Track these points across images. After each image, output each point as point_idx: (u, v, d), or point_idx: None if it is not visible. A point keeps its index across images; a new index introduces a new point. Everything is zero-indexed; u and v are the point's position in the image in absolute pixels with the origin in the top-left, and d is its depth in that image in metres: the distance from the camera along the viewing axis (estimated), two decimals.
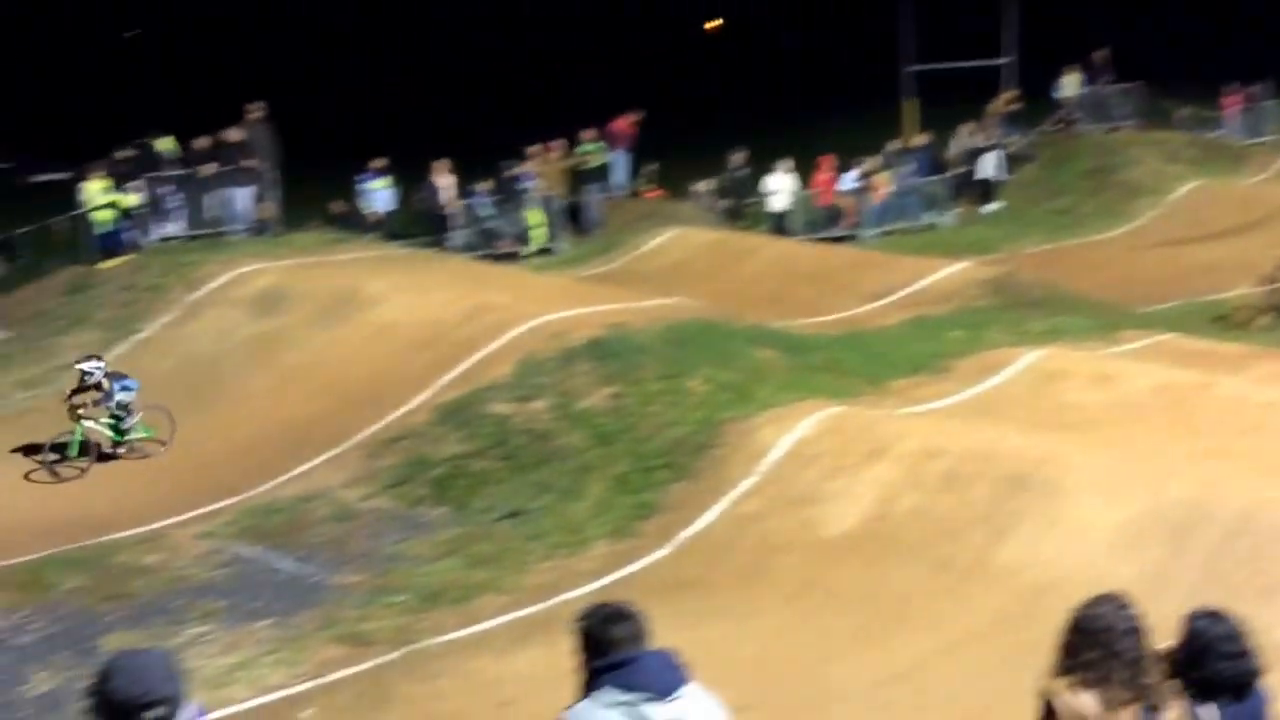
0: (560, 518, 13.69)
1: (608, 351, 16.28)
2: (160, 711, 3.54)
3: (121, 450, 16.39)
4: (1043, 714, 5.20)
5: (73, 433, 15.96)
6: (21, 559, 12.96)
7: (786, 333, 18.41)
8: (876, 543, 12.32)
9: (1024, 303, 21.16)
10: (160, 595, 12.29)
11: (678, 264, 24.02)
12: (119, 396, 16.19)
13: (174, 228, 22.97)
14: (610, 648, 4.76)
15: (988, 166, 31.56)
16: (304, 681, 10.45)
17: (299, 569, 12.92)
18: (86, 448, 15.99)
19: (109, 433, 16.26)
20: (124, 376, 16.45)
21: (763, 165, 29.31)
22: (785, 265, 24.06)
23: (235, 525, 13.93)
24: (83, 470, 15.90)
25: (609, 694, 4.80)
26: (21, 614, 11.90)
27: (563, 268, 24.54)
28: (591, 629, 4.86)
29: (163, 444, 16.58)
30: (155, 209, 22.59)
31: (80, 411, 16.02)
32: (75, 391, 16.18)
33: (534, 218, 26.01)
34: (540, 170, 26.61)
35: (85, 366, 16.15)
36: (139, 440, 16.52)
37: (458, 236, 25.04)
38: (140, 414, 16.43)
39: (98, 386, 16.05)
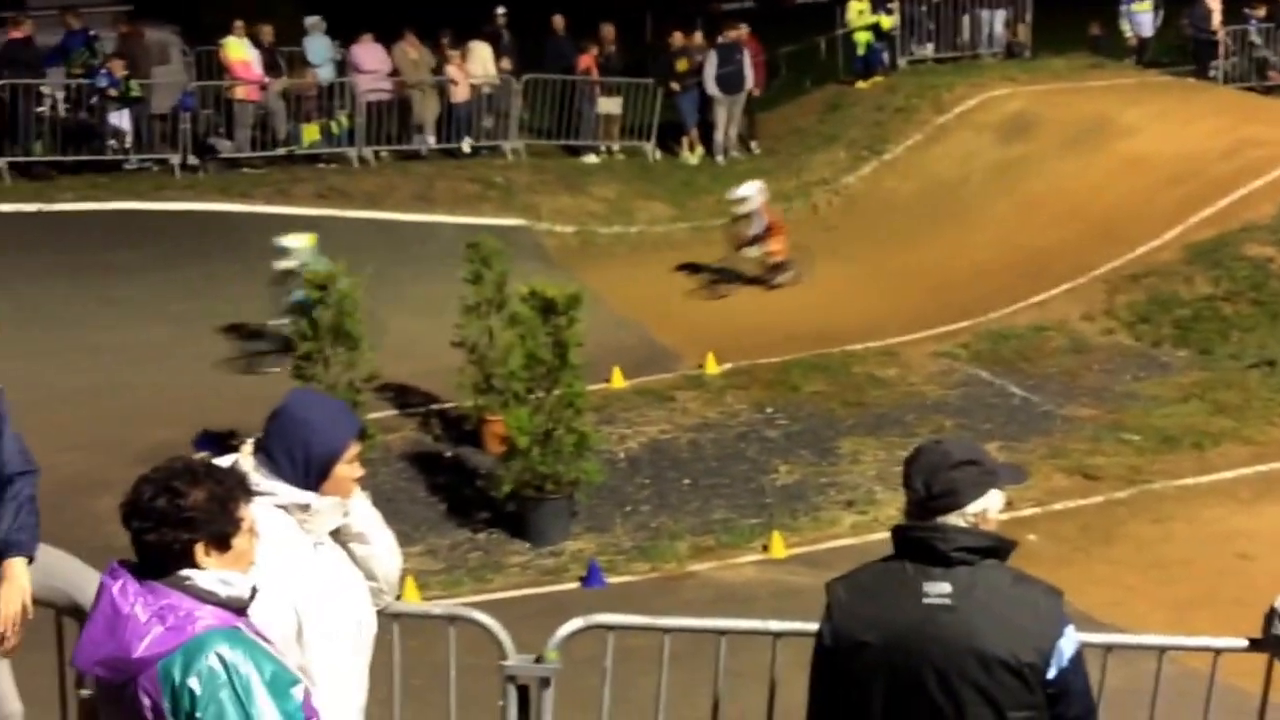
0: None
1: None
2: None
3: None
4: None
5: None
6: (771, 359, 13.91)
7: None
8: None
9: None
10: (894, 407, 12.77)
11: None
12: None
13: (927, 49, 23.14)
14: None
15: None
16: (1031, 506, 10.49)
17: (1029, 396, 12.91)
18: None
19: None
20: None
21: None
22: None
23: (970, 347, 14.11)
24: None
25: None
26: (769, 410, 12.82)
27: None
28: None
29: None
30: (910, 30, 22.82)
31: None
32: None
33: None
34: None
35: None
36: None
37: (1224, 65, 23.28)
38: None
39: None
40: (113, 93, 18.48)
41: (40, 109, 18.59)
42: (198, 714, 3.10)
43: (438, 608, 5.96)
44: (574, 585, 9.76)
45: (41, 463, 4.78)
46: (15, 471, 4.64)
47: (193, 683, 3.10)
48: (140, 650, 3.14)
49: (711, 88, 20.94)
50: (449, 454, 12.02)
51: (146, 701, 3.14)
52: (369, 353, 10.95)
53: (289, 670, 3.32)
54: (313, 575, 3.86)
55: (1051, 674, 3.57)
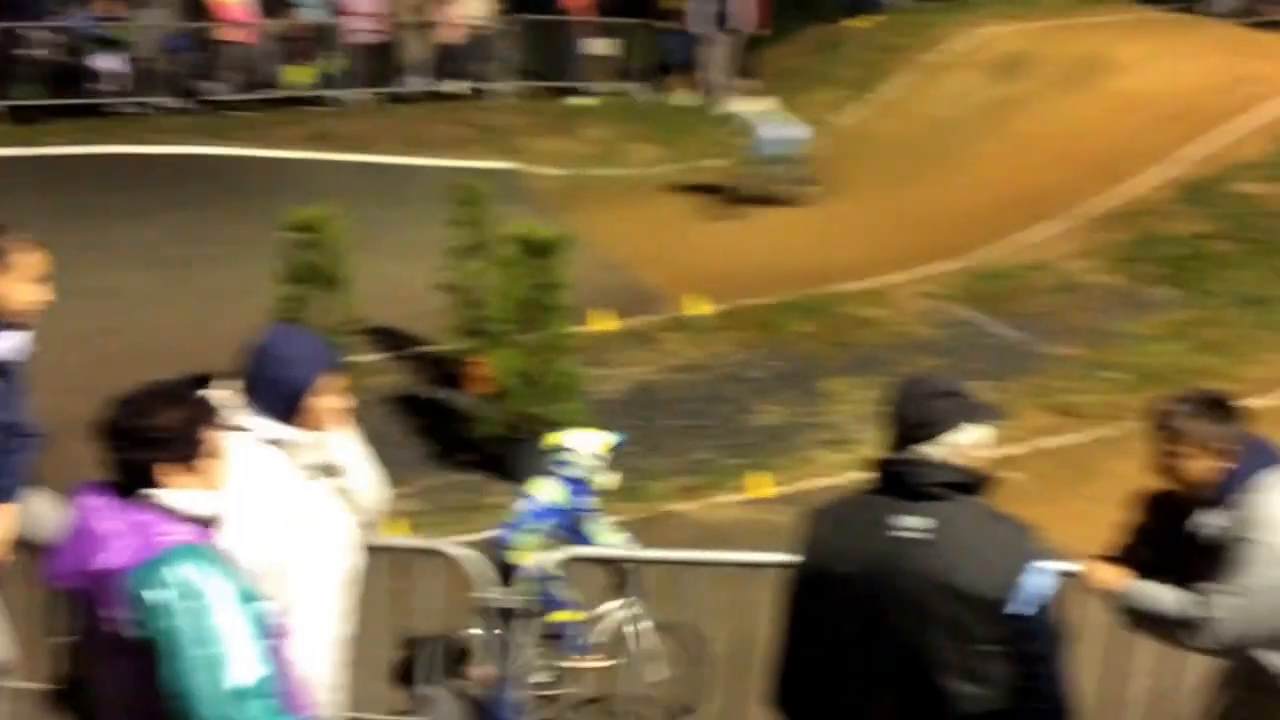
0: None
1: None
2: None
3: None
4: None
5: None
6: (758, 301, 13.90)
7: None
8: None
9: None
10: (880, 347, 12.77)
11: None
12: None
13: None
14: None
15: None
16: (1015, 445, 10.50)
17: (1016, 336, 12.90)
18: None
19: None
20: None
21: None
22: None
23: (958, 287, 14.09)
24: None
25: None
26: (755, 351, 12.83)
27: None
28: None
29: None
30: None
31: None
32: None
33: None
34: None
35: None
36: None
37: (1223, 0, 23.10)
38: None
39: None
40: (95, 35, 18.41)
41: (28, 51, 18.50)
42: (161, 625, 3.19)
43: (418, 542, 6.06)
44: None
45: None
46: (28, 434, 4.92)
47: (156, 595, 3.19)
48: (108, 563, 3.25)
49: (694, 25, 20.77)
50: (433, 397, 12.04)
51: (115, 613, 3.23)
52: (350, 296, 10.93)
53: (254, 589, 3.39)
54: (295, 508, 3.93)
55: (1014, 608, 3.58)
